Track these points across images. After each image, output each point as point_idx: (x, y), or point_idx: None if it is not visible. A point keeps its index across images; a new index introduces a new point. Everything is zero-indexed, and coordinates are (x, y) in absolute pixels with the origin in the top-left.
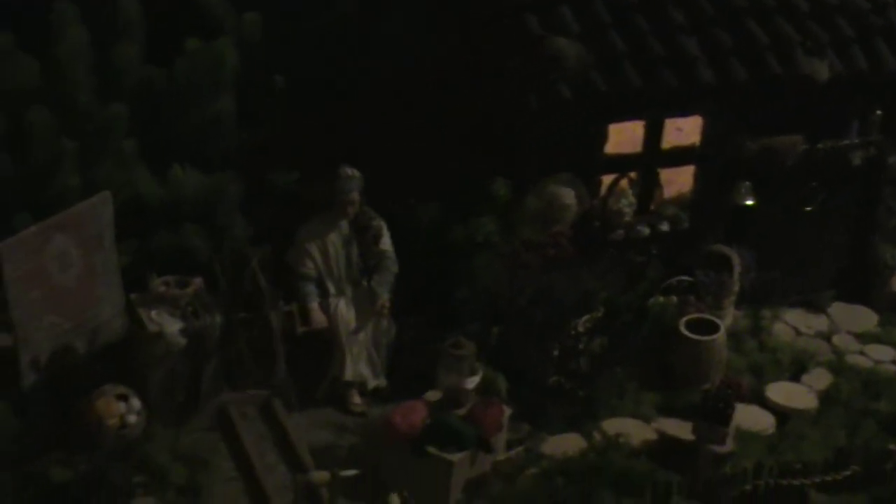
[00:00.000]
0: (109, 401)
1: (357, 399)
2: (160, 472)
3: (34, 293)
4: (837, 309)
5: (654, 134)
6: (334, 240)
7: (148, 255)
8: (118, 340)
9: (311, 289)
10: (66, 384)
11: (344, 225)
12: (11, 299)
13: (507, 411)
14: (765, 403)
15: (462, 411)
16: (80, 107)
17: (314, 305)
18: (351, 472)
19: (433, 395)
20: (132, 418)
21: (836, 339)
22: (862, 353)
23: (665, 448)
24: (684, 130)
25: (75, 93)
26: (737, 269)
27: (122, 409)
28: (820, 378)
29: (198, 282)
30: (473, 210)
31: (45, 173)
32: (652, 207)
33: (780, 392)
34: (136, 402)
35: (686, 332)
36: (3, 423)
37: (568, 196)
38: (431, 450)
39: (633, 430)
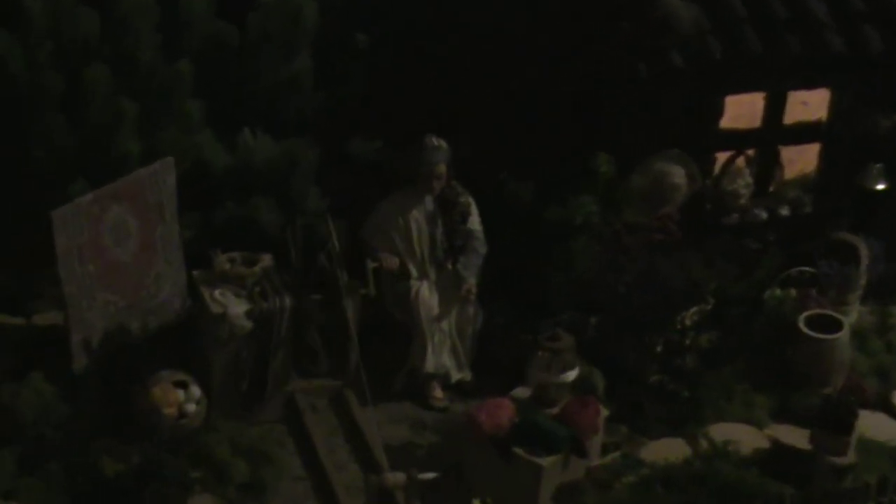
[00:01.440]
0: (167, 388)
1: (438, 393)
2: (220, 467)
3: (88, 267)
4: None
5: (775, 107)
6: (417, 217)
7: (212, 228)
8: (178, 322)
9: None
10: (120, 368)
11: (428, 201)
12: (63, 273)
13: (604, 412)
14: (891, 410)
15: (554, 410)
16: (143, 65)
17: (382, 252)
18: (429, 475)
19: (523, 392)
20: (191, 407)
21: None
22: None
23: (778, 457)
24: (810, 105)
25: (137, 50)
26: (864, 261)
27: (180, 397)
28: None
29: (267, 259)
30: (572, 188)
31: (102, 137)
32: (771, 189)
33: None
34: (195, 391)
35: (805, 330)
36: (51, 409)
37: (677, 174)
38: (519, 452)
39: (742, 437)
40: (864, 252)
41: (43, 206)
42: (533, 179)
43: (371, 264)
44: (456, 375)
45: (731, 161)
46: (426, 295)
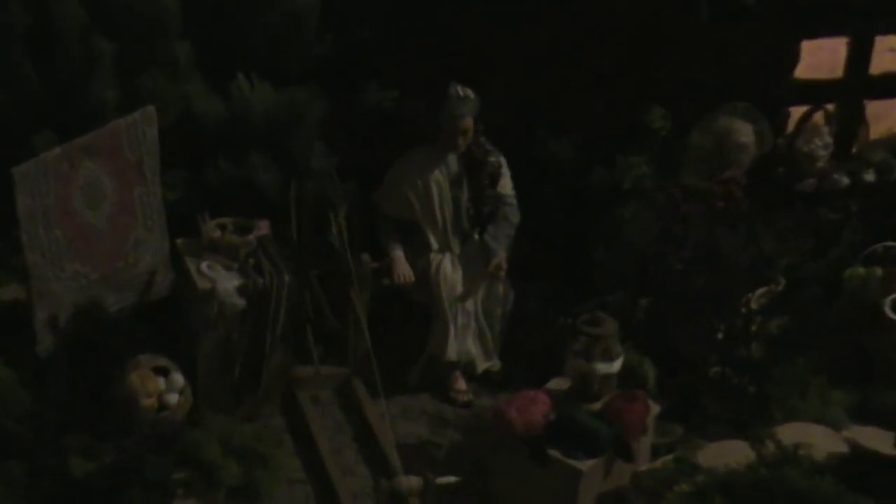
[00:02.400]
0: (146, 375)
1: (461, 385)
2: (208, 468)
3: (54, 233)
4: None
5: (860, 55)
6: (439, 179)
7: (201, 190)
8: (159, 298)
9: (396, 234)
10: (92, 351)
11: (452, 160)
12: (26, 240)
13: (655, 408)
14: None
15: (596, 406)
16: None
17: (397, 254)
18: (449, 479)
19: (560, 384)
20: (173, 398)
21: None
22: None
23: (857, 464)
24: None
25: None
26: None
27: (161, 385)
28: None
29: (263, 227)
30: (621, 147)
31: (74, 82)
32: (854, 151)
33: None
34: (178, 379)
35: (892, 315)
36: (12, 399)
37: (744, 132)
38: (555, 454)
39: (816, 439)
40: None
41: (3, 162)
42: (575, 137)
43: (385, 282)
44: (482, 364)
45: (807, 117)
46: (448, 270)
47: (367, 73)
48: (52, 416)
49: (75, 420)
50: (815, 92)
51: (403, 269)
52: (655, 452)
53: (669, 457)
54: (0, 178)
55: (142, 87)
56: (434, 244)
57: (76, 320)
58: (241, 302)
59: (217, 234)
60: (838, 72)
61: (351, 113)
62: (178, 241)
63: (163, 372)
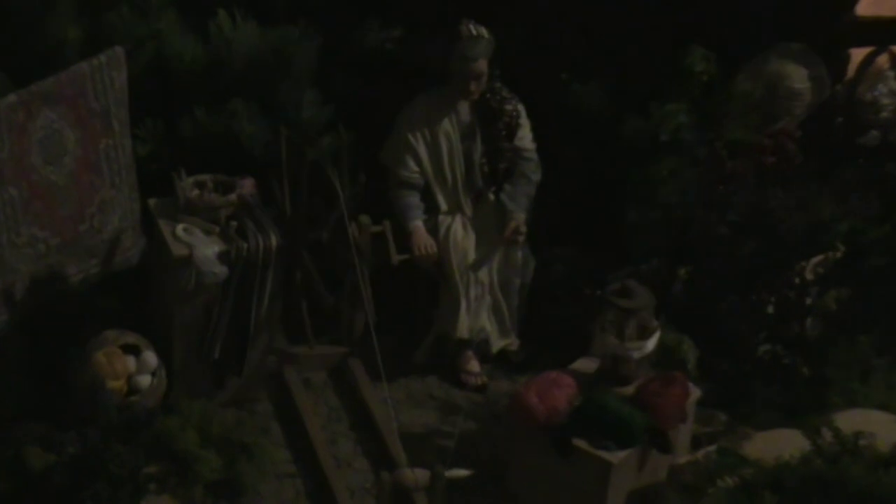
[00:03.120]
0: (113, 354)
1: (474, 366)
2: (183, 460)
3: (8, 192)
4: None
5: None
6: (449, 130)
7: (176, 143)
8: (129, 267)
9: (413, 200)
10: (52, 327)
11: (464, 109)
12: None
13: (695, 393)
14: None
15: (628, 390)
16: None
17: (416, 224)
18: (461, 472)
19: (586, 365)
20: (145, 380)
21: None
22: None
23: None
24: None
25: None
26: None
27: (130, 366)
28: None
29: (247, 185)
30: (657, 94)
31: (29, 19)
32: None
33: None
34: (151, 358)
35: None
36: None
37: (798, 77)
38: (581, 445)
39: (879, 428)
40: None
41: None
42: (605, 81)
43: (396, 257)
44: (498, 343)
45: (870, 61)
46: (459, 235)
47: (366, 9)
48: (6, 402)
49: (32, 406)
50: (879, 31)
51: (425, 240)
52: (696, 443)
53: (712, 448)
54: None
55: (108, 26)
56: (443, 205)
57: (33, 292)
58: (222, 270)
59: (195, 193)
60: None
61: (348, 55)
62: (151, 201)
63: (133, 350)
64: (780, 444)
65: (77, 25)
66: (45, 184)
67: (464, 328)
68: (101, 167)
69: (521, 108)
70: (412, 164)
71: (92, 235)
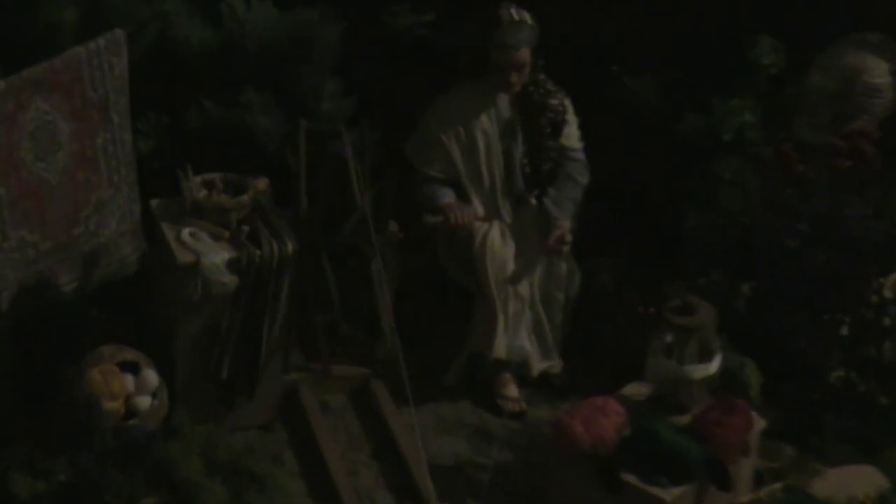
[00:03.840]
0: (109, 371)
1: (512, 390)
2: (186, 490)
3: None
4: None
5: None
6: (487, 126)
7: (182, 137)
8: (128, 275)
9: (443, 189)
10: (42, 341)
11: (504, 103)
12: None
13: (759, 423)
14: None
15: (684, 419)
16: None
17: (447, 199)
18: None
19: (637, 390)
20: (144, 402)
21: None
22: None
23: None
24: None
25: None
26: None
27: (128, 385)
28: None
29: (261, 185)
30: (719, 89)
31: (21, 0)
32: None
33: None
34: (151, 377)
35: None
36: None
37: (877, 71)
38: (630, 479)
39: None
40: None
41: None
42: (660, 74)
43: (430, 219)
44: (539, 364)
45: None
46: (497, 243)
47: None
48: None
49: (20, 428)
50: None
51: (461, 209)
52: (759, 479)
53: (778, 485)
54: None
55: (107, 6)
56: (479, 210)
57: (21, 301)
58: (231, 280)
59: (202, 193)
60: None
61: (374, 41)
62: (153, 202)
63: (131, 368)
64: (854, 482)
65: (73, 6)
66: (36, 181)
67: (501, 348)
68: (99, 163)
69: (567, 102)
70: (441, 163)
71: (87, 239)
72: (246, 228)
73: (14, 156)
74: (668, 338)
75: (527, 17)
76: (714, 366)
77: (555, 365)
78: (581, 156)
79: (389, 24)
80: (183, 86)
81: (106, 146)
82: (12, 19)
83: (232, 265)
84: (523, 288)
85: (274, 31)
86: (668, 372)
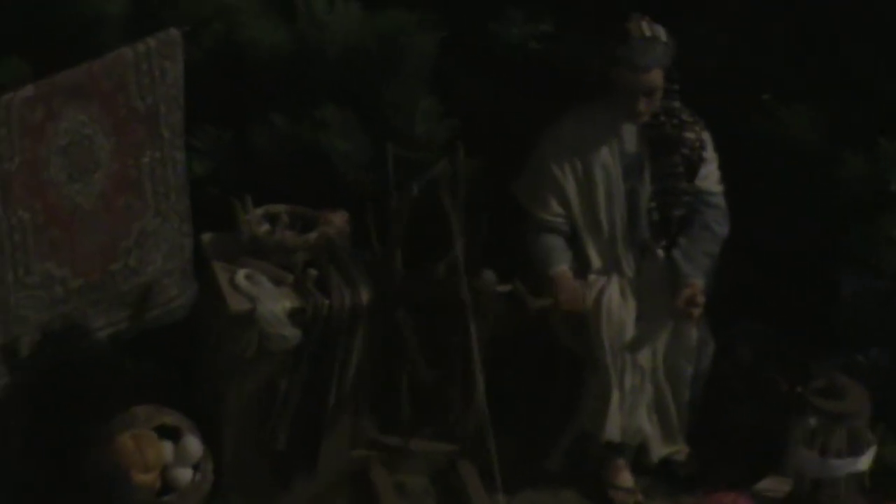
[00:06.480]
0: (144, 437)
1: (626, 479)
2: None
3: (18, 215)
4: None
5: None
6: (608, 162)
7: (245, 159)
8: (171, 321)
9: (558, 243)
10: (66, 396)
11: (629, 134)
12: None
13: None
14: None
15: None
16: None
17: (561, 268)
18: None
19: (775, 485)
20: (184, 475)
21: None
22: None
23: None
24: None
25: None
26: None
27: (166, 455)
28: None
29: (336, 221)
30: (887, 127)
31: None
32: None
33: None
34: (194, 445)
35: None
36: None
37: None
38: None
39: None
40: None
41: None
42: (819, 107)
43: (534, 305)
44: (660, 449)
45: None
46: (615, 302)
47: None
48: (5, 492)
49: (33, 499)
50: None
51: (572, 290)
52: None
53: None
54: None
55: (161, 2)
56: (595, 261)
57: (44, 349)
58: (293, 333)
59: (264, 228)
60: None
61: (478, 53)
62: (205, 236)
63: (171, 434)
64: None
65: None
66: (68, 206)
67: (614, 428)
68: (143, 187)
69: (706, 136)
70: (556, 204)
71: (126, 277)
72: (314, 273)
73: (41, 174)
74: (812, 424)
75: (661, 32)
76: (865, 461)
77: (679, 451)
78: (720, 201)
79: (498, 34)
80: (248, 97)
81: (153, 167)
82: (46, 11)
83: (295, 316)
84: (644, 358)
85: (359, 35)
86: (811, 465)
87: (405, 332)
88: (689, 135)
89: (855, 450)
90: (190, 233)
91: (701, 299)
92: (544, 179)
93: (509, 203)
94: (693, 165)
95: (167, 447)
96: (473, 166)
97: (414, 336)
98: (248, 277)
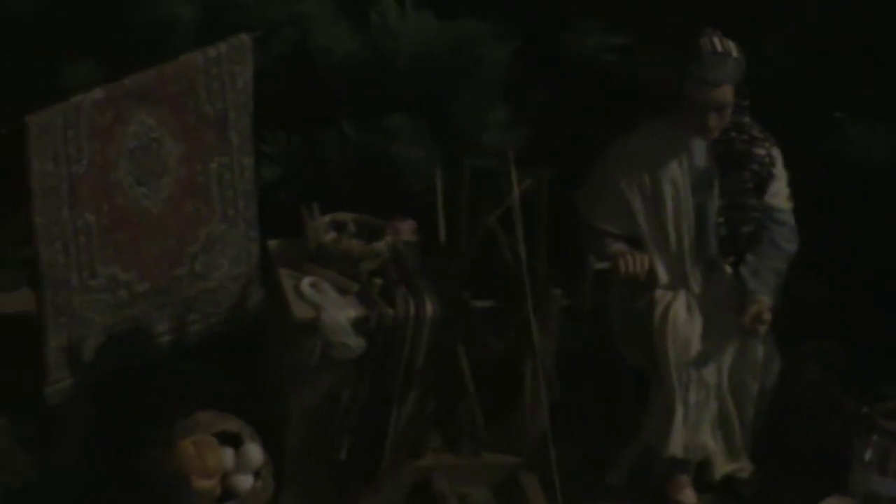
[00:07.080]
0: (205, 443)
1: (689, 495)
2: None
3: (85, 218)
4: None
5: None
6: (677, 177)
7: (314, 166)
8: (236, 327)
9: (616, 241)
10: (127, 401)
11: (699, 149)
12: (40, 225)
13: None
14: None
15: None
16: None
17: (620, 245)
18: None
19: None
20: (245, 482)
21: None
22: None
23: None
24: None
25: None
26: None
27: (227, 461)
28: None
29: (404, 230)
30: None
31: None
32: None
33: None
34: (255, 453)
35: None
36: (4, 465)
37: None
38: None
39: None
40: None
41: (13, 106)
42: (891, 125)
43: (595, 265)
44: (724, 466)
45: None
46: (682, 318)
47: (581, 7)
48: (59, 495)
49: (95, 501)
50: None
51: (632, 255)
52: None
53: None
54: (7, 126)
55: (234, 4)
56: (662, 276)
57: (107, 353)
58: (357, 343)
59: (330, 236)
60: None
61: (551, 64)
62: (271, 243)
63: (232, 441)
64: None
65: (191, 1)
66: (134, 210)
67: (678, 444)
68: (211, 192)
69: (776, 153)
70: (620, 217)
71: (192, 282)
72: (379, 282)
73: (109, 177)
74: (878, 445)
75: (732, 47)
76: None
77: (743, 468)
78: (790, 218)
79: (571, 45)
80: (319, 104)
81: (221, 172)
82: (117, 14)
83: (359, 325)
84: (709, 374)
85: (431, 45)
86: (875, 487)
87: (473, 341)
88: (759, 151)
89: None
90: (257, 238)
91: (767, 316)
92: (609, 192)
93: (571, 214)
94: (762, 181)
95: (228, 454)
96: (543, 177)
97: (483, 345)
98: (312, 285)
